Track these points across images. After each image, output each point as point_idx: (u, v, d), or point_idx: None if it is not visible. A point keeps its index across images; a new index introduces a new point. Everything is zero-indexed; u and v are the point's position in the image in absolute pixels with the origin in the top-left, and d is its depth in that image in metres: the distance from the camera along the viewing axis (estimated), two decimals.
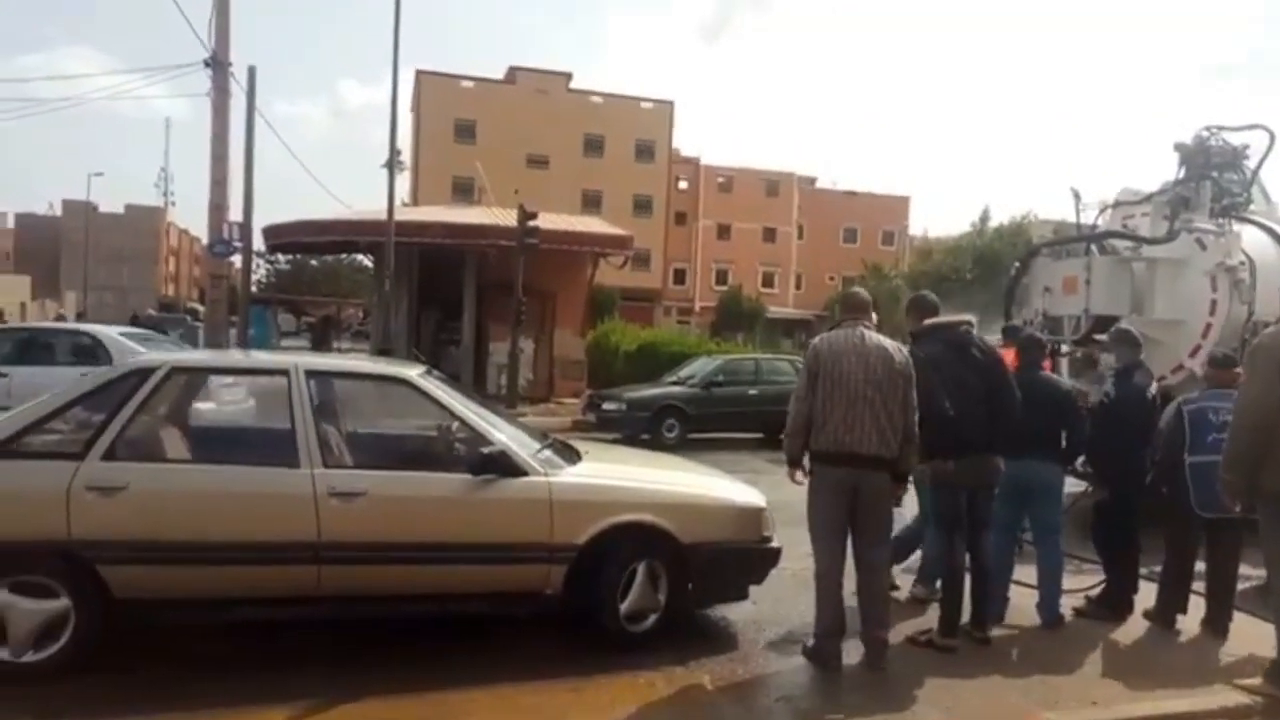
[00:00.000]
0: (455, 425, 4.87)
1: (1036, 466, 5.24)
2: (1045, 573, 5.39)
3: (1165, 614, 5.40)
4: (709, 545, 4.77)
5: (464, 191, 39.84)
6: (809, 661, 4.59)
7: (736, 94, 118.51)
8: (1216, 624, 5.27)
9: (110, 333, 11.14)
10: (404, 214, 20.97)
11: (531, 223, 17.13)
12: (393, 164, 19.90)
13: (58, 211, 77.21)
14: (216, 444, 4.98)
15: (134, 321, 20.40)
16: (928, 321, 5.17)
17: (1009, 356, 5.61)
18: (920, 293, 5.78)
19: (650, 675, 4.37)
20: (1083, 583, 5.83)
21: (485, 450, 4.53)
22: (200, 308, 30.08)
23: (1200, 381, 6.50)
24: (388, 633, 4.67)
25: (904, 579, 5.87)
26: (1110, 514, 5.55)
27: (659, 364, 17.46)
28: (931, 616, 5.00)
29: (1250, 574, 5.58)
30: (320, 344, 25.81)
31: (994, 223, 38.21)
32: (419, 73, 47.62)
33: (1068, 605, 5.50)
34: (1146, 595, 5.55)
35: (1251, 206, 9.53)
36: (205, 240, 15.11)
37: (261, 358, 6.08)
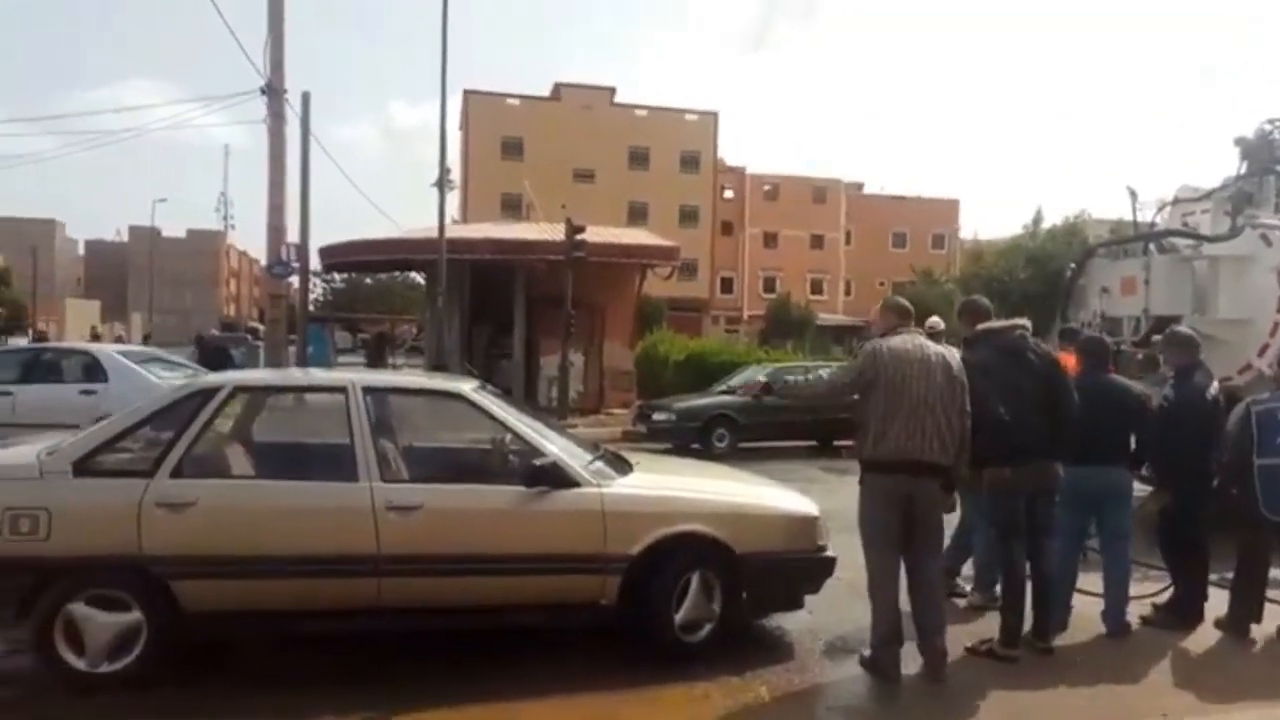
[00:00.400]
0: (508, 438, 4.94)
1: (1105, 472, 5.13)
2: (1112, 581, 5.26)
3: (1238, 622, 5.23)
4: (763, 555, 4.75)
5: (512, 207, 40.34)
6: (867, 672, 4.54)
7: (781, 102, 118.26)
8: None
9: (108, 351, 11.52)
10: (454, 231, 21.29)
11: (579, 236, 17.26)
12: (443, 183, 20.27)
13: (124, 238, 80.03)
14: (278, 460, 5.11)
15: (198, 341, 20.97)
16: (980, 326, 5.10)
17: (1070, 361, 5.51)
18: (972, 297, 5.70)
19: (706, 686, 4.36)
20: (1149, 590, 5.67)
21: (538, 462, 4.58)
22: (260, 327, 30.82)
23: (1269, 381, 6.30)
24: (445, 645, 4.73)
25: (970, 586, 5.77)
26: (1176, 519, 5.40)
27: (708, 374, 17.41)
28: (991, 625, 4.91)
29: None
30: (375, 360, 26.28)
31: (1047, 223, 37.39)
32: (467, 92, 48.38)
33: (1134, 614, 5.36)
34: (1218, 603, 5.38)
35: None
36: (264, 262, 15.53)
37: (320, 375, 6.23)
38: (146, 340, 23.62)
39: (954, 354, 4.59)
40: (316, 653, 4.63)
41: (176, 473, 4.30)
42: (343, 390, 4.67)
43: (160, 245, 63.62)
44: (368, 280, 58.34)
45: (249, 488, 4.58)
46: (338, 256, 21.93)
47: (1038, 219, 38.24)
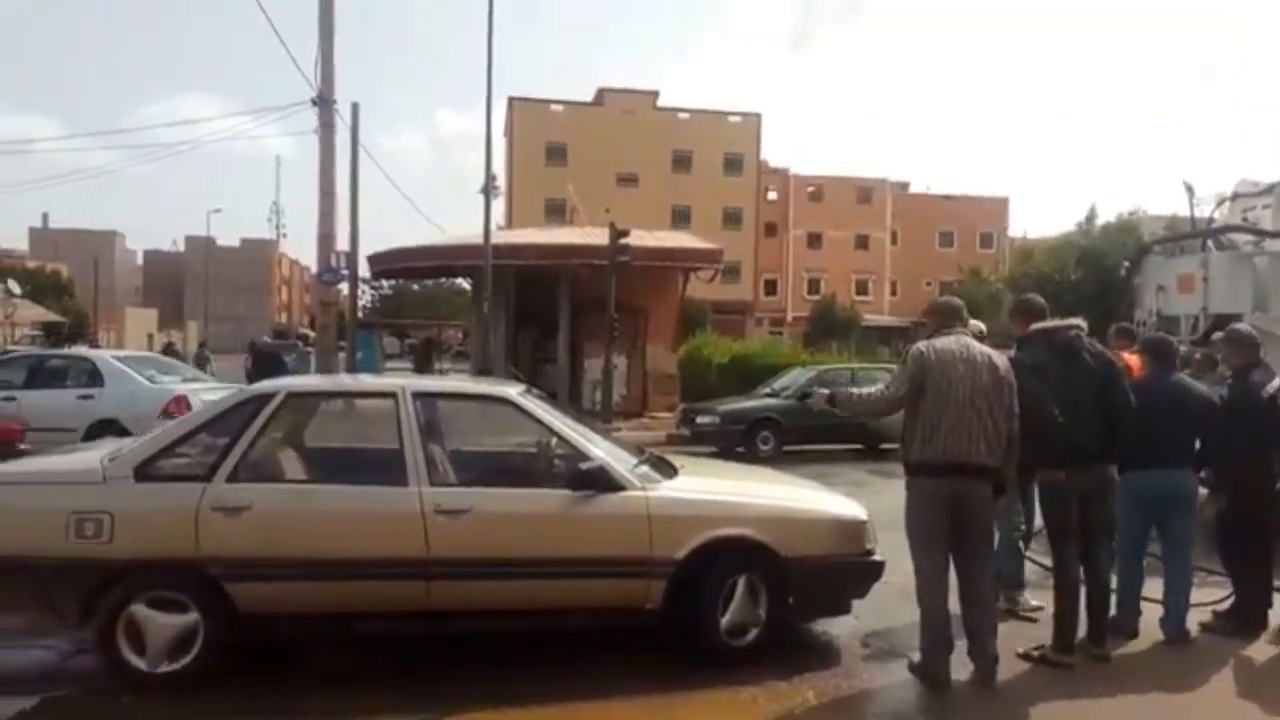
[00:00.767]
0: (554, 442, 4.97)
1: (1170, 476, 5.02)
2: (1173, 587, 5.11)
3: None
4: (809, 559, 4.72)
5: (556, 213, 40.55)
6: (916, 677, 4.48)
7: (825, 103, 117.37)
8: None
9: (105, 357, 11.86)
10: (499, 237, 21.52)
11: (622, 240, 17.33)
12: (488, 190, 20.49)
13: (181, 248, 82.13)
14: (330, 465, 5.19)
15: (251, 348, 21.44)
16: (1034, 326, 5.00)
17: (1132, 361, 5.39)
18: (1027, 296, 5.59)
19: (753, 690, 4.34)
20: (1209, 596, 5.52)
21: (584, 466, 4.61)
22: (311, 334, 31.42)
23: None
24: (493, 647, 4.78)
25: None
26: (1236, 522, 5.24)
27: (752, 376, 17.34)
28: (1044, 631, 4.82)
29: None
30: (423, 365, 26.61)
31: (1100, 220, 36.56)
32: (511, 99, 48.84)
33: (1194, 621, 5.21)
34: None
35: None
36: (315, 269, 15.82)
37: (370, 381, 6.35)
38: (202, 347, 24.16)
39: (999, 354, 4.51)
40: (371, 654, 4.71)
41: (232, 477, 4.41)
42: (392, 396, 4.74)
43: (215, 254, 65.27)
44: (415, 287, 59.06)
45: (301, 492, 4.67)
46: (386, 263, 22.31)
47: (1091, 216, 37.49)
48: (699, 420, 14.32)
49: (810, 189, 57.23)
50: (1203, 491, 5.53)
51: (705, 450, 13.07)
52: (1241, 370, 5.38)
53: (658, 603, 4.57)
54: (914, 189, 61.98)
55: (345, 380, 7.78)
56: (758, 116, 53.05)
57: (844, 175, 57.27)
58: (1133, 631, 5.06)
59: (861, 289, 56.53)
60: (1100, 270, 27.93)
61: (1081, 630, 4.75)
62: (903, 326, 47.63)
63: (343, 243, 16.36)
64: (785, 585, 4.70)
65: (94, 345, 34.80)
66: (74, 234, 75.24)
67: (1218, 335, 8.01)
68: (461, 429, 5.56)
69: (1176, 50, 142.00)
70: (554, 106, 50.52)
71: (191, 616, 4.26)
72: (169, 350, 34.62)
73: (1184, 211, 9.75)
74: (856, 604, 5.02)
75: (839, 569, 4.85)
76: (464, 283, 33.03)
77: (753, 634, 4.65)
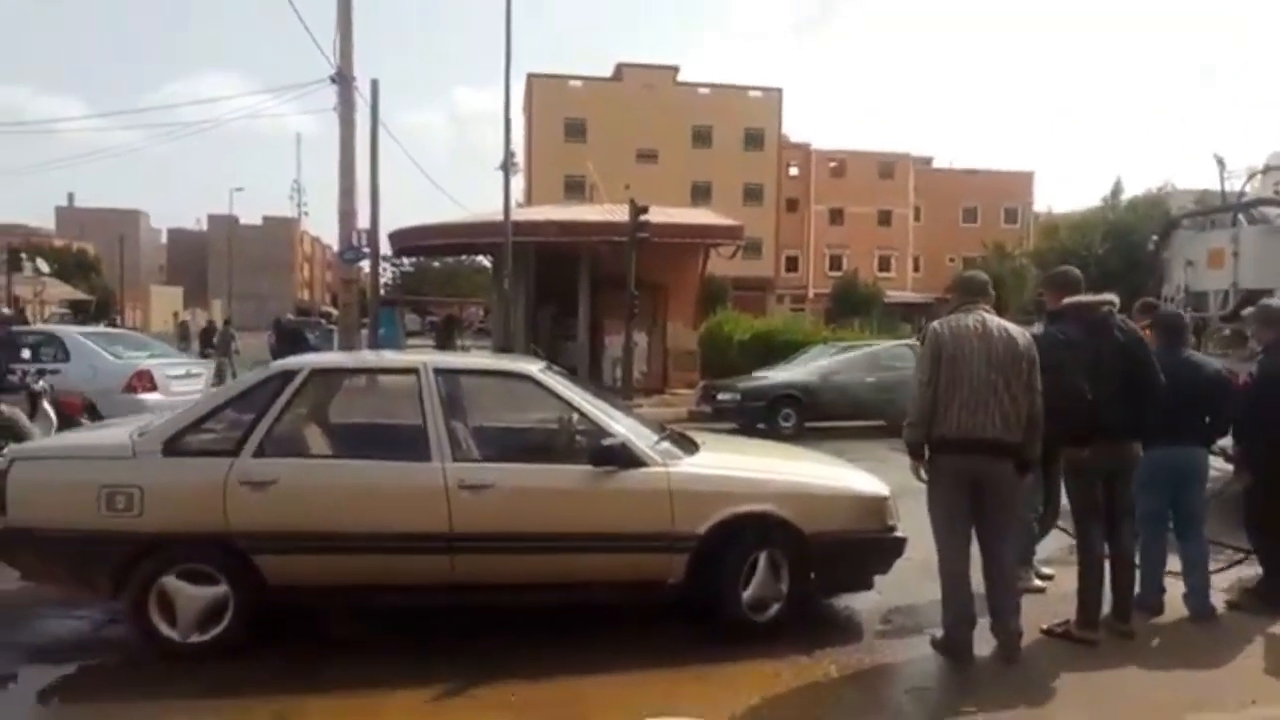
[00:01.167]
0: (576, 418, 4.99)
1: (1182, 452, 5.00)
2: (1191, 563, 5.11)
3: None
4: (831, 535, 4.72)
5: (576, 189, 40.48)
6: (938, 653, 4.48)
7: (847, 77, 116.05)
8: None
9: (72, 333, 11.85)
10: (519, 214, 21.48)
11: (642, 217, 17.25)
12: (508, 167, 20.43)
13: (204, 226, 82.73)
14: (354, 440, 5.26)
15: (275, 325, 21.59)
16: (1067, 300, 4.93)
17: (1146, 336, 5.31)
18: (1062, 268, 5.49)
19: (776, 664, 4.36)
20: (1244, 574, 5.47)
21: (606, 442, 4.62)
22: (333, 311, 31.62)
23: None
24: (517, 621, 4.83)
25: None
26: (1263, 499, 5.19)
27: (773, 353, 17.27)
28: (1068, 607, 4.80)
29: None
30: (444, 342, 26.73)
31: (1127, 195, 35.98)
32: (530, 75, 48.60)
33: (1220, 598, 5.18)
34: None
35: None
36: (336, 247, 15.89)
37: (393, 358, 6.38)
38: (227, 325, 24.35)
39: (1020, 330, 4.46)
40: (395, 626, 4.77)
41: (259, 452, 4.46)
42: (415, 372, 4.77)
43: (237, 233, 65.64)
44: (435, 264, 59.28)
45: (327, 467, 4.73)
46: (407, 241, 22.33)
47: (1117, 190, 36.91)
48: (720, 397, 14.28)
49: (832, 164, 56.67)
50: (1227, 468, 5.49)
51: (726, 427, 13.06)
52: (1272, 346, 5.30)
53: (680, 577, 4.59)
54: (937, 164, 61.25)
55: (368, 357, 7.83)
56: (779, 91, 52.53)
57: (866, 150, 56.65)
58: (1158, 608, 5.05)
59: (884, 265, 56.07)
60: (1127, 245, 27.56)
61: (1106, 607, 4.73)
62: (925, 303, 47.28)
63: (363, 220, 16.38)
64: (807, 561, 4.71)
65: (113, 325, 35.14)
66: (99, 213, 75.99)
67: (1248, 311, 7.90)
68: (483, 405, 5.59)
69: (1176, 50, 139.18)
70: (573, 82, 50.19)
71: (221, 588, 4.33)
72: (182, 328, 35.09)
73: (1214, 186, 9.55)
74: (879, 580, 5.03)
75: (861, 545, 4.85)
76: (484, 260, 33.14)
77: (774, 609, 4.67)
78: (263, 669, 4.25)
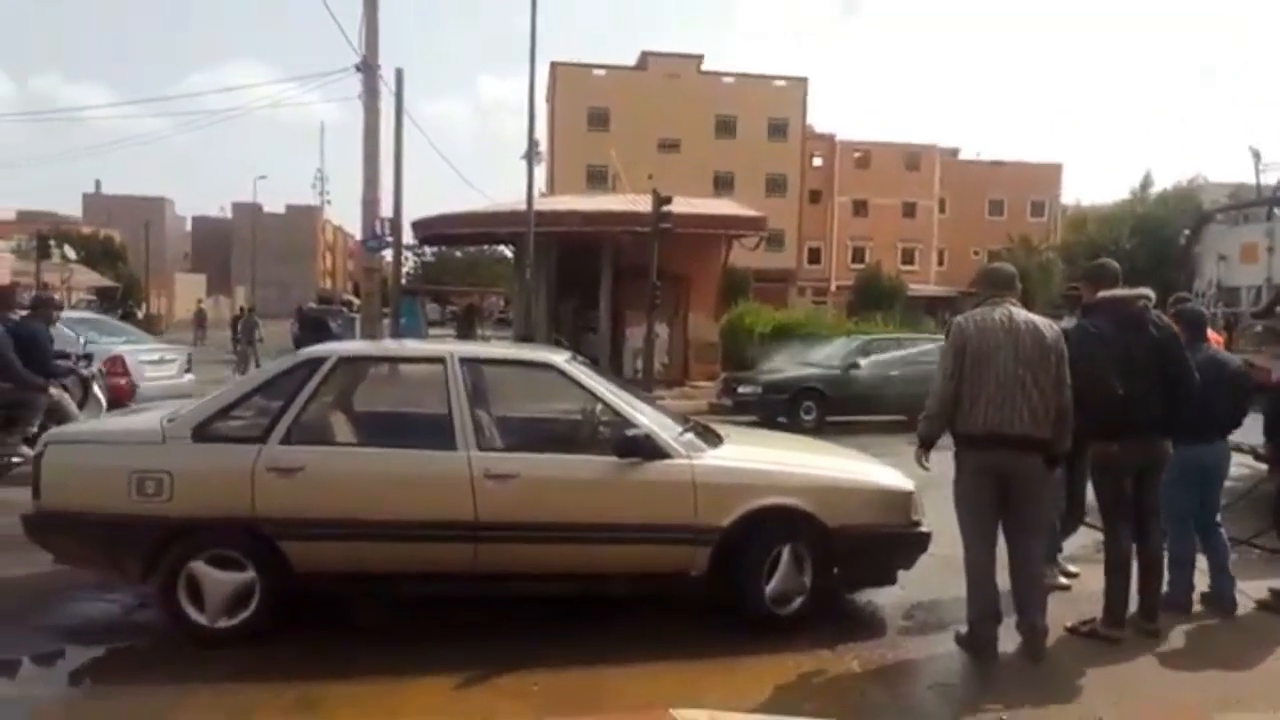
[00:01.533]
0: (600, 409, 4.99)
1: (1208, 450, 4.97)
2: (1215, 562, 5.07)
3: None
4: (855, 529, 4.71)
5: (598, 179, 40.45)
6: (962, 649, 4.46)
7: (873, 68, 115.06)
8: None
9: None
10: (541, 204, 21.49)
11: (665, 208, 17.21)
12: (531, 157, 20.46)
13: (228, 214, 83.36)
14: (380, 428, 5.29)
15: (298, 313, 21.80)
16: (1102, 294, 4.87)
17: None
18: (1100, 260, 5.41)
19: (798, 658, 4.36)
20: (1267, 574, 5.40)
21: (630, 433, 4.62)
22: (355, 300, 31.79)
23: None
24: (542, 610, 4.85)
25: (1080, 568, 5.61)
26: None
27: (793, 346, 17.20)
28: (1094, 605, 4.76)
29: None
30: (465, 332, 26.87)
31: (1156, 188, 35.56)
32: (553, 64, 48.49)
33: (1250, 598, 5.12)
34: None
35: None
36: (359, 236, 15.95)
37: (418, 347, 6.42)
38: (251, 312, 24.56)
39: (1048, 324, 4.41)
40: (419, 614, 4.80)
41: (286, 439, 4.50)
42: (441, 361, 4.79)
43: (261, 221, 66.08)
44: (457, 253, 59.39)
45: (353, 454, 4.76)
46: (430, 230, 22.42)
47: (1146, 183, 36.54)
48: (740, 390, 14.27)
49: (856, 155, 56.23)
50: (1260, 467, 5.42)
51: (746, 419, 13.04)
52: None
53: (702, 569, 4.59)
54: (963, 155, 60.64)
55: (394, 345, 7.89)
56: (804, 81, 52.09)
57: (891, 141, 56.13)
58: (1186, 607, 4.99)
59: (908, 258, 55.61)
60: (1157, 239, 27.20)
61: (1133, 606, 4.69)
62: (949, 297, 46.89)
63: (386, 209, 16.44)
64: (830, 555, 4.69)
65: (129, 312, 35.38)
66: (125, 200, 76.63)
67: None
68: (508, 395, 5.60)
69: (1176, 50, 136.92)
70: (596, 71, 50.05)
71: (248, 574, 4.38)
72: (199, 315, 35.37)
73: (1249, 179, 9.40)
74: (902, 575, 5.00)
75: (885, 539, 4.83)
76: (506, 249, 33.20)
77: (797, 602, 4.66)
78: (287, 654, 4.29)
